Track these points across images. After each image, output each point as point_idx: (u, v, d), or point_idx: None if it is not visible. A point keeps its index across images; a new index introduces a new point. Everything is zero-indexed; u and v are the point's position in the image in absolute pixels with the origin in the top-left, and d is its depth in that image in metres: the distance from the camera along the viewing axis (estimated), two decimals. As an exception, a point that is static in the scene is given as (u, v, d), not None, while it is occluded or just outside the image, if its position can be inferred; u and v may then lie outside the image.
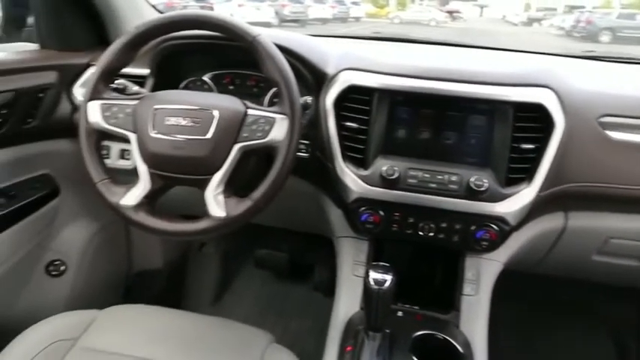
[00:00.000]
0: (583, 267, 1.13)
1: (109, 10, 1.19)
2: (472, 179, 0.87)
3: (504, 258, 1.02)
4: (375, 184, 0.92)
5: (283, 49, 0.85)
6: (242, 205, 0.79)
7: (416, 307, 0.99)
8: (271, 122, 0.79)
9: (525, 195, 0.89)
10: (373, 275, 0.77)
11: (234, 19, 0.83)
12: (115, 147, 1.10)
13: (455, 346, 0.87)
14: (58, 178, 1.19)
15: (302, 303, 1.70)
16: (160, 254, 1.54)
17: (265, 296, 1.76)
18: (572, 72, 1.00)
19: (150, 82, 1.06)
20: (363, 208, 0.95)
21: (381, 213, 0.94)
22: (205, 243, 1.76)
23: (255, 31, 0.82)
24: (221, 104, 0.81)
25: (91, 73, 0.96)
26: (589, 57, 1.26)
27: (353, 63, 0.96)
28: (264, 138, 0.78)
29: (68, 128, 1.10)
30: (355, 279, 1.00)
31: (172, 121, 0.80)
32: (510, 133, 0.88)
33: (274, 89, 1.05)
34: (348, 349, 0.87)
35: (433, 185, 0.90)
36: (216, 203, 0.78)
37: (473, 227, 0.92)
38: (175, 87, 1.11)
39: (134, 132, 0.81)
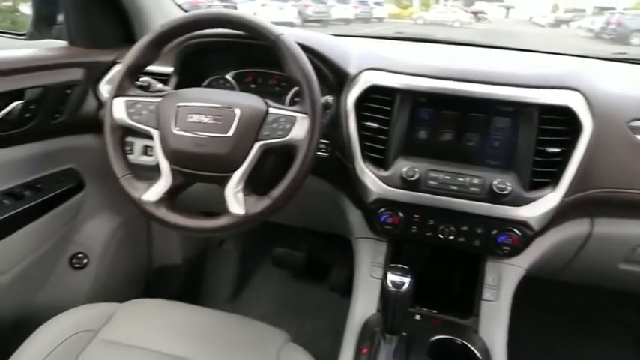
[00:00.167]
0: (608, 275, 1.10)
1: (136, 9, 1.21)
2: (495, 182, 0.86)
3: (526, 263, 1.00)
4: (395, 185, 0.91)
5: (305, 49, 0.85)
6: (261, 204, 0.79)
7: (434, 311, 0.97)
8: (292, 121, 0.79)
9: (550, 200, 0.87)
10: (391, 277, 0.76)
11: (258, 18, 0.83)
12: (139, 143, 1.11)
13: (473, 351, 0.86)
14: (83, 172, 1.22)
15: (318, 303, 1.70)
16: (179, 250, 1.56)
17: (282, 295, 1.76)
18: (601, 74, 0.98)
19: (173, 80, 1.07)
20: (383, 209, 0.94)
21: (401, 214, 0.94)
22: (224, 240, 1.77)
23: (278, 30, 0.82)
24: (242, 102, 0.81)
25: (116, 71, 0.98)
26: (619, 59, 1.22)
27: (375, 63, 0.95)
28: (284, 137, 0.79)
29: (94, 124, 1.12)
30: (373, 280, 1.00)
31: (194, 118, 0.81)
32: (535, 136, 0.86)
33: (296, 88, 1.06)
34: (364, 350, 0.86)
35: (454, 187, 0.89)
36: (236, 201, 0.79)
37: (494, 231, 0.90)
38: (198, 85, 1.12)
39: (157, 129, 0.82)
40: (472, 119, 0.90)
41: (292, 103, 1.07)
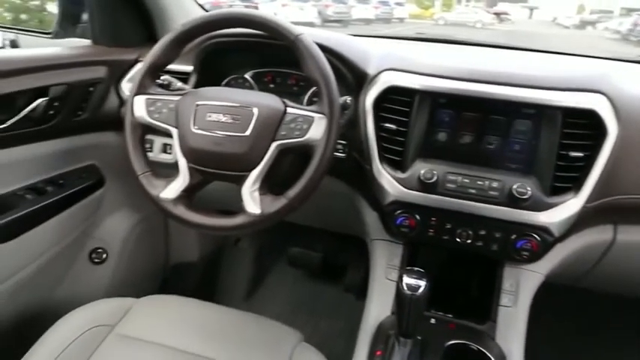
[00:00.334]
0: (632, 283, 1.07)
1: (158, 9, 1.23)
2: (515, 186, 0.84)
3: (545, 270, 0.97)
4: (412, 187, 0.90)
5: (324, 49, 0.85)
6: (277, 203, 0.79)
7: (450, 316, 0.96)
8: (309, 121, 0.79)
9: (571, 205, 0.84)
10: (407, 280, 0.76)
11: (277, 18, 0.83)
12: (158, 141, 1.13)
13: (490, 358, 0.84)
14: (104, 169, 1.24)
15: (333, 304, 1.70)
16: (196, 248, 1.57)
17: (297, 295, 1.76)
18: (627, 77, 0.95)
19: (193, 79, 1.08)
20: (399, 212, 0.93)
21: (418, 217, 0.93)
22: (240, 238, 1.78)
23: (298, 30, 0.82)
24: (261, 102, 0.82)
25: (138, 69, 0.99)
26: (647, 62, 1.19)
27: (394, 63, 0.94)
28: (301, 137, 0.79)
29: (115, 121, 1.14)
30: (388, 283, 0.99)
31: (213, 117, 0.81)
32: (558, 139, 0.84)
33: (314, 88, 1.06)
34: (378, 353, 0.86)
35: (473, 191, 0.88)
36: (252, 200, 0.79)
37: (513, 236, 0.88)
38: (218, 84, 1.13)
39: (176, 127, 0.83)
40: (493, 122, 0.89)
41: (310, 103, 1.07)
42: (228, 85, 1.15)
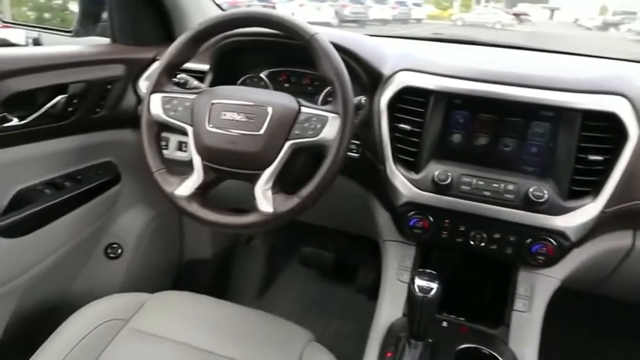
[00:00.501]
0: None
1: (176, 8, 1.24)
2: (531, 189, 0.83)
3: (561, 275, 0.96)
4: (425, 188, 0.90)
5: (339, 48, 0.85)
6: (290, 202, 0.79)
7: (462, 319, 0.95)
8: (323, 121, 0.79)
9: (589, 210, 0.83)
10: (419, 282, 0.75)
11: (293, 18, 0.83)
12: (174, 139, 1.14)
13: None
14: (120, 165, 1.26)
15: (344, 304, 1.70)
16: (209, 245, 1.59)
17: (308, 294, 1.77)
18: None
19: (209, 78, 1.09)
20: (412, 213, 0.92)
21: (431, 219, 0.92)
22: (253, 237, 1.79)
23: (313, 29, 0.82)
24: (275, 101, 0.82)
25: (154, 67, 1.00)
26: (670, 64, 1.16)
27: (410, 64, 0.94)
28: (315, 136, 0.78)
29: (132, 119, 1.15)
30: (400, 284, 0.98)
31: (228, 115, 0.82)
32: (576, 142, 0.83)
33: (329, 88, 1.05)
34: (388, 355, 0.85)
35: (487, 193, 0.87)
36: (265, 198, 0.80)
37: (528, 240, 0.87)
38: (233, 83, 1.14)
39: (191, 125, 0.84)
40: (509, 123, 0.88)
41: (325, 102, 1.06)
42: (243, 84, 1.15)
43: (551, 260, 0.88)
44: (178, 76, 1.01)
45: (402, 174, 0.91)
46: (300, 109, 0.81)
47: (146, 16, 1.23)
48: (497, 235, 0.89)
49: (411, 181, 0.91)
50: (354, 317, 1.60)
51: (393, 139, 0.92)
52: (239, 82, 1.16)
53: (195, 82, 1.02)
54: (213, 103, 0.83)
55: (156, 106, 0.86)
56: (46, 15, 1.46)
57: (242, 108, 0.82)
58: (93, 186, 1.16)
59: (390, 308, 0.96)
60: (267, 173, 0.80)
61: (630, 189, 0.83)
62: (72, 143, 1.11)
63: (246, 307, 0.99)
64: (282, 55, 1.12)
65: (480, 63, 0.93)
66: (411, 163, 0.92)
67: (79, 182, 1.12)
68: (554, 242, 0.86)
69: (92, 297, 0.96)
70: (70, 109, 1.06)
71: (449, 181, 0.87)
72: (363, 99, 0.97)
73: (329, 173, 0.78)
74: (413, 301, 0.75)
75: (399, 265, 1.01)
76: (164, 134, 1.06)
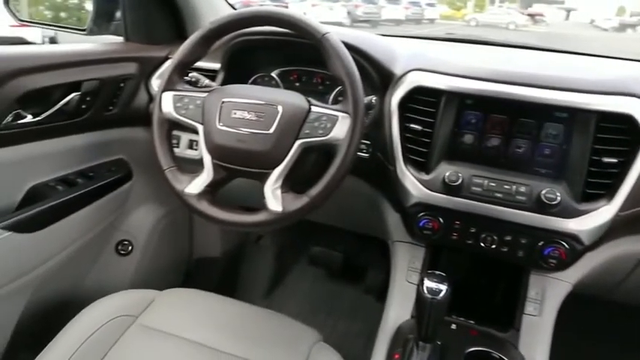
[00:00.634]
0: None
1: (189, 7, 1.25)
2: (543, 191, 0.82)
3: (574, 279, 0.94)
4: (436, 189, 0.89)
5: (351, 48, 0.84)
6: (299, 201, 0.79)
7: (471, 322, 0.94)
8: (333, 120, 0.78)
9: (604, 213, 0.81)
10: (428, 284, 0.74)
11: (305, 17, 0.83)
12: (185, 137, 1.15)
13: None
14: (132, 163, 1.27)
15: (352, 305, 1.69)
16: (219, 243, 1.59)
17: (317, 294, 1.76)
18: None
19: (220, 77, 1.09)
20: (422, 214, 0.92)
21: (441, 220, 0.91)
22: (262, 236, 1.80)
23: (324, 28, 0.82)
24: (285, 100, 0.82)
25: (166, 66, 1.01)
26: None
27: (421, 63, 0.93)
28: (325, 135, 0.78)
29: (144, 117, 1.16)
30: (408, 286, 0.97)
31: (238, 114, 0.82)
32: (591, 144, 0.81)
33: (339, 88, 1.05)
34: (396, 356, 0.85)
35: (499, 195, 0.86)
36: (274, 197, 0.79)
37: (540, 243, 0.86)
38: (244, 82, 1.14)
39: (201, 123, 0.84)
40: (522, 124, 0.87)
41: (336, 102, 1.06)
42: (254, 83, 1.16)
43: (564, 264, 0.86)
44: (190, 74, 1.02)
45: (413, 174, 0.91)
46: (310, 108, 0.80)
47: (159, 14, 1.24)
48: (508, 238, 0.88)
49: (421, 181, 0.90)
50: (362, 318, 1.59)
51: (403, 139, 0.91)
52: (250, 81, 1.16)
53: (207, 81, 1.03)
54: (223, 102, 0.83)
55: (167, 104, 0.87)
56: (62, 14, 1.48)
57: (252, 107, 0.82)
58: (105, 183, 1.17)
59: (398, 309, 0.96)
60: (277, 172, 0.79)
61: None
62: (85, 140, 1.12)
63: (254, 306, 0.99)
64: (293, 55, 1.12)
65: (493, 63, 0.92)
66: (422, 163, 0.91)
67: (91, 179, 1.13)
68: (566, 245, 0.84)
69: (103, 293, 0.97)
70: (84, 106, 1.07)
71: (459, 182, 0.86)
72: (373, 99, 0.97)
73: (338, 173, 0.78)
74: (422, 303, 0.74)
75: (408, 266, 1.00)
76: (175, 132, 1.07)
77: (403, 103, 0.91)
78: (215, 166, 0.84)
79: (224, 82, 1.08)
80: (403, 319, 0.94)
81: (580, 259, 0.88)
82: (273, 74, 1.14)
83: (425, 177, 0.90)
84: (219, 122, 0.82)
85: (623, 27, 20.94)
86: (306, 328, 0.94)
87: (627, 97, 0.80)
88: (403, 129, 0.91)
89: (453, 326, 0.92)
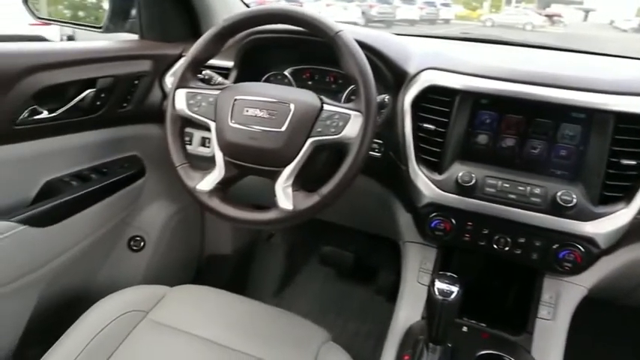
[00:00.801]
0: None
1: (203, 5, 1.26)
2: (559, 193, 0.80)
3: (589, 283, 0.92)
4: (449, 190, 0.88)
5: (364, 46, 0.84)
6: (309, 200, 0.79)
7: (483, 324, 0.93)
8: (346, 119, 0.78)
9: (621, 216, 0.80)
10: (439, 285, 0.73)
11: (318, 14, 0.83)
12: (197, 134, 1.15)
13: None
14: (145, 159, 1.28)
15: (363, 305, 1.68)
16: (230, 241, 1.60)
17: (327, 294, 1.76)
18: None
19: (233, 74, 1.10)
20: (434, 214, 0.91)
21: (453, 221, 0.90)
22: (273, 234, 1.80)
23: (338, 26, 0.81)
24: (298, 98, 0.81)
25: (180, 63, 1.02)
26: None
27: (435, 62, 0.92)
28: (337, 134, 0.78)
29: (158, 114, 1.17)
30: (419, 287, 0.97)
31: (250, 112, 0.82)
32: (609, 146, 0.80)
33: (352, 86, 1.05)
34: (406, 358, 0.84)
35: (513, 196, 0.84)
36: (285, 196, 0.79)
37: (555, 246, 0.84)
38: (257, 80, 1.14)
39: (214, 120, 0.84)
40: (538, 125, 0.85)
41: (348, 101, 1.05)
42: (267, 81, 1.16)
43: (579, 267, 0.85)
44: (203, 72, 1.02)
45: (425, 174, 0.90)
46: (322, 106, 0.80)
47: (173, 12, 1.25)
48: (522, 240, 0.87)
49: (433, 181, 0.89)
50: (372, 318, 1.59)
51: (416, 138, 0.90)
52: (263, 79, 1.16)
53: (220, 79, 1.03)
54: (236, 99, 0.83)
55: (180, 101, 0.87)
56: (81, 13, 1.49)
57: (264, 104, 0.82)
58: (118, 179, 1.18)
59: (408, 311, 0.95)
60: (288, 170, 0.79)
61: None
62: (99, 137, 1.14)
63: (264, 304, 0.99)
64: (306, 53, 1.11)
65: (509, 62, 0.91)
66: (434, 163, 0.90)
67: (104, 175, 1.15)
68: (582, 249, 0.83)
69: (114, 288, 0.98)
70: (98, 103, 1.08)
71: (473, 182, 0.85)
72: (386, 97, 0.96)
73: (350, 172, 0.77)
74: (432, 304, 0.74)
75: (419, 267, 1.00)
76: (188, 130, 1.07)
77: (416, 103, 0.90)
78: (227, 164, 0.84)
79: (237, 80, 1.08)
80: (413, 321, 0.93)
81: (596, 263, 0.86)
82: (286, 72, 1.14)
83: (437, 177, 0.89)
84: (231, 120, 0.82)
85: (643, 28, 20.54)
86: (315, 328, 0.93)
87: None
88: (416, 128, 0.90)
89: (464, 328, 0.91)
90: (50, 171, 1.04)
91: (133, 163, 1.25)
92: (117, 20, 1.26)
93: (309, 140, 0.79)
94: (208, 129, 0.85)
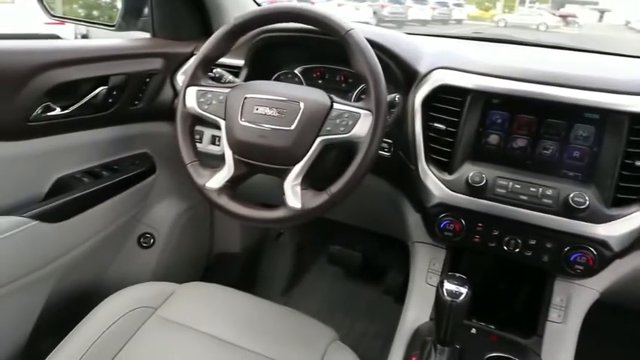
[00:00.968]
0: None
1: (215, 4, 1.26)
2: (571, 195, 0.79)
3: (601, 287, 0.91)
4: (459, 190, 0.87)
5: (375, 45, 0.83)
6: (318, 199, 0.78)
7: (492, 327, 0.92)
8: (355, 117, 0.78)
9: (635, 218, 0.78)
10: (447, 286, 0.73)
11: (329, 13, 0.83)
12: (208, 132, 1.16)
13: None
14: (156, 157, 1.29)
15: (371, 305, 1.68)
16: (239, 239, 1.60)
17: (335, 293, 1.76)
18: None
19: (244, 73, 1.10)
20: (444, 215, 0.90)
21: (463, 222, 0.89)
22: (282, 233, 1.80)
23: (349, 25, 0.81)
24: (307, 97, 0.81)
25: (191, 61, 1.02)
26: None
27: (447, 62, 0.91)
28: (346, 133, 0.78)
29: (169, 112, 1.18)
30: (428, 287, 0.96)
31: (260, 110, 0.82)
32: (623, 147, 0.78)
33: (362, 86, 1.04)
34: (413, 358, 0.83)
35: (524, 197, 0.83)
36: (293, 194, 0.79)
37: (567, 248, 0.83)
38: (268, 79, 1.14)
39: (224, 119, 0.85)
40: (550, 125, 0.84)
41: (358, 100, 1.05)
42: (277, 80, 1.16)
43: (591, 271, 0.83)
44: (214, 70, 1.02)
45: (435, 174, 0.89)
46: (332, 105, 0.80)
47: (185, 11, 1.26)
48: (532, 242, 0.86)
49: (443, 182, 0.88)
50: (379, 319, 1.58)
51: (426, 138, 0.90)
52: (273, 77, 1.16)
53: (230, 77, 1.03)
54: (246, 98, 0.83)
55: (191, 99, 0.88)
56: (95, 12, 1.51)
57: (274, 103, 0.82)
58: (129, 176, 1.19)
59: (417, 311, 0.94)
60: (297, 169, 0.79)
61: None
62: (110, 134, 1.15)
63: (272, 302, 0.99)
64: (316, 52, 1.11)
65: (521, 62, 0.90)
66: (445, 163, 0.89)
67: (115, 172, 1.16)
68: (594, 252, 0.81)
69: (124, 284, 0.99)
70: (110, 100, 1.09)
71: (483, 183, 0.84)
72: (397, 97, 0.95)
73: (359, 171, 0.77)
74: (441, 306, 0.73)
75: (428, 267, 0.99)
76: (198, 128, 1.08)
77: (427, 102, 0.90)
78: (236, 162, 0.84)
79: (247, 79, 1.08)
80: (421, 321, 0.92)
81: (608, 266, 0.85)
82: (297, 71, 1.14)
83: (447, 177, 0.88)
84: (241, 118, 0.82)
85: (660, 29, 20.19)
86: (322, 327, 0.93)
87: None
88: (426, 128, 0.90)
89: (473, 330, 0.90)
90: (62, 167, 1.05)
91: (144, 160, 1.26)
92: (129, 19, 1.27)
93: (319, 139, 0.79)
94: (218, 127, 0.86)
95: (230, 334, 0.88)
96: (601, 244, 0.81)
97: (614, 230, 0.79)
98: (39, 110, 0.95)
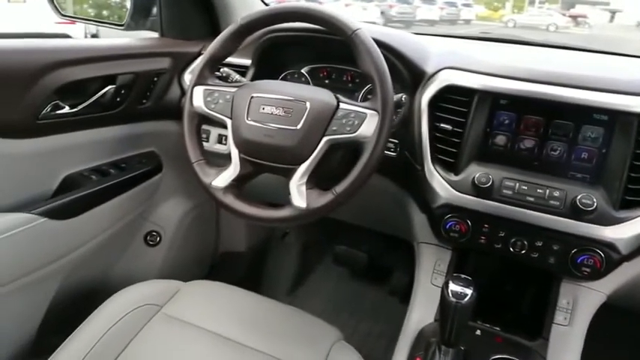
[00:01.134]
0: None
1: (222, 4, 1.27)
2: (579, 197, 0.78)
3: (609, 290, 0.90)
4: (465, 191, 0.87)
5: (381, 45, 0.83)
6: (323, 198, 0.78)
7: (497, 328, 0.91)
8: (362, 117, 0.78)
9: None
10: (452, 287, 0.73)
11: (336, 12, 0.83)
12: (214, 132, 1.16)
13: None
14: (163, 156, 1.30)
15: (375, 305, 1.67)
16: (244, 238, 1.61)
17: (340, 293, 1.76)
18: None
19: (251, 72, 1.10)
20: (449, 215, 0.89)
21: (469, 223, 0.89)
22: (288, 232, 1.80)
23: (356, 25, 0.81)
24: (314, 96, 0.81)
25: (198, 61, 1.03)
26: None
27: (454, 62, 0.91)
28: (352, 133, 0.77)
29: (176, 111, 1.18)
30: (433, 288, 0.96)
31: (266, 109, 0.82)
32: (632, 149, 0.78)
33: (369, 86, 1.04)
34: (417, 359, 0.83)
35: (531, 199, 0.83)
36: (299, 194, 0.79)
37: (573, 250, 0.82)
38: (275, 78, 1.15)
39: (230, 118, 0.85)
40: (558, 126, 0.83)
41: (365, 100, 1.05)
42: (284, 79, 1.16)
43: (598, 273, 0.83)
44: (221, 69, 1.03)
45: (441, 175, 0.89)
46: (338, 104, 0.80)
47: (193, 11, 1.27)
48: (539, 243, 0.85)
49: (449, 182, 0.88)
50: (384, 319, 1.58)
51: (432, 138, 0.90)
52: (280, 77, 1.16)
53: (237, 77, 1.04)
54: (252, 97, 0.84)
55: (198, 98, 0.88)
56: (105, 12, 1.52)
57: (281, 102, 0.82)
58: (136, 174, 1.20)
59: (421, 312, 0.94)
60: (303, 168, 0.79)
61: None
62: (118, 132, 1.16)
63: (277, 302, 0.99)
64: (323, 52, 1.11)
65: (529, 62, 0.89)
66: (451, 164, 0.89)
67: (123, 170, 1.16)
68: (602, 254, 0.81)
69: (130, 281, 1.00)
70: (118, 99, 1.10)
71: (490, 184, 0.83)
72: (403, 97, 0.95)
73: (365, 171, 0.77)
74: (445, 307, 0.73)
75: (433, 268, 0.99)
76: (205, 127, 1.08)
77: (434, 102, 0.90)
78: (242, 161, 0.84)
79: (254, 78, 1.08)
80: (426, 322, 0.92)
81: (616, 269, 0.84)
82: (303, 71, 1.14)
83: (454, 178, 0.88)
84: (247, 117, 0.83)
85: (671, 30, 19.94)
86: (327, 327, 0.93)
87: None
88: (433, 128, 0.90)
89: (478, 332, 0.90)
90: (70, 165, 1.06)
91: (151, 158, 1.27)
92: (138, 18, 1.28)
93: (325, 138, 0.79)
94: (225, 126, 0.86)
95: (235, 332, 0.88)
96: (608, 246, 0.80)
97: (622, 233, 0.79)
98: (48, 108, 0.96)
